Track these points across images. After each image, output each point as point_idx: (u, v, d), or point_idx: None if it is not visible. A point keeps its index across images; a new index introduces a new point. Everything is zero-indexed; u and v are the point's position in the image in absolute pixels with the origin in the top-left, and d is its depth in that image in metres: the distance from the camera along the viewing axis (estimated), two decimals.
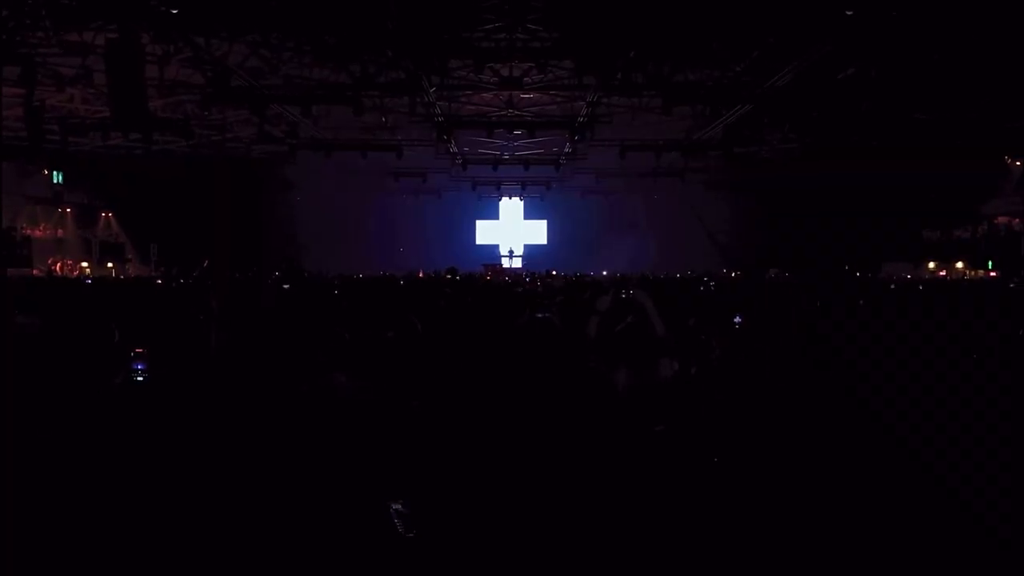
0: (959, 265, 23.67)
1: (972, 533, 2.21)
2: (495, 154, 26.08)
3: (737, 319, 5.30)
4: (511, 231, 34.69)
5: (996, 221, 23.63)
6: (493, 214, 34.61)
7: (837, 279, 18.18)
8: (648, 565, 2.42)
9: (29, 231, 23.83)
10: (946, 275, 23.48)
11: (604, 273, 25.68)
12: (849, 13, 12.85)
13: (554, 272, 23.25)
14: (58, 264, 23.51)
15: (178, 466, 3.01)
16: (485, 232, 34.75)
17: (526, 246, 34.23)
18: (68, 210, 25.46)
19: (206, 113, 20.41)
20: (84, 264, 24.54)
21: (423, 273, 24.12)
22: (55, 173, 23.61)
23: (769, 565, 2.34)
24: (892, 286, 16.18)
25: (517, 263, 32.57)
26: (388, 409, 3.34)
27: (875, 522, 2.30)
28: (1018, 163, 22.29)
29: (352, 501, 2.71)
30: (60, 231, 25.28)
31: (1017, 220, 22.92)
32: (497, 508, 2.57)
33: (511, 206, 34.45)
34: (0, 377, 2.36)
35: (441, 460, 2.88)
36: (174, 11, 13.84)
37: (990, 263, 22.63)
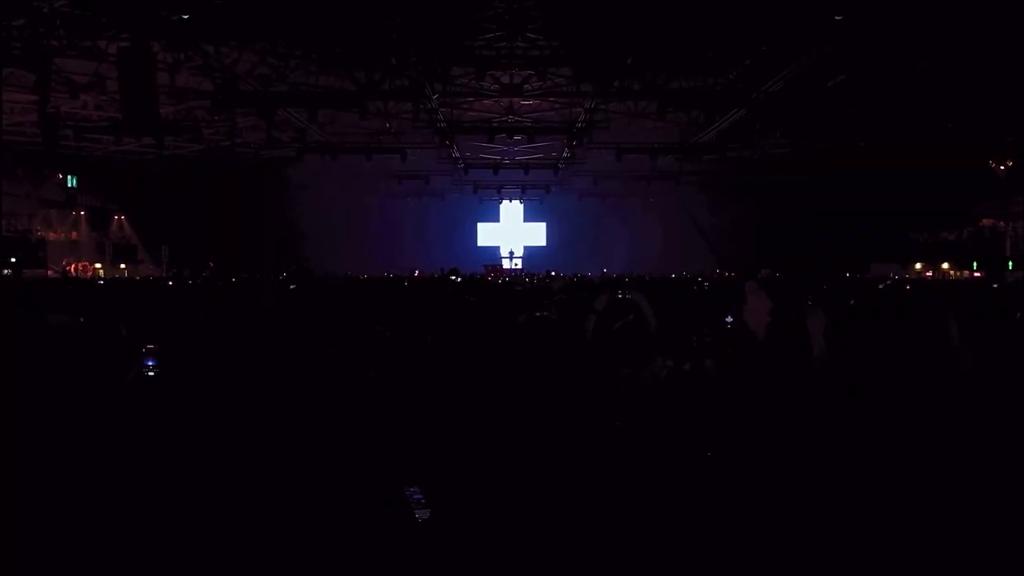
0: (945, 266, 23.66)
1: (972, 532, 2.16)
2: (496, 158, 26.09)
3: (729, 319, 5.26)
4: (511, 233, 34.71)
5: (981, 223, 23.62)
6: (494, 216, 34.62)
7: (832, 279, 18.15)
8: (647, 556, 2.38)
9: (43, 233, 23.82)
10: (932, 275, 23.48)
11: (604, 270, 25.73)
12: (839, 18, 12.82)
13: (552, 273, 23.24)
14: (72, 265, 23.50)
15: (191, 460, 2.98)
16: (486, 234, 34.76)
17: (526, 247, 34.24)
18: (82, 213, 25.46)
19: (216, 118, 20.38)
20: (98, 265, 24.54)
21: (419, 273, 24.17)
22: (69, 177, 23.62)
23: (765, 562, 2.30)
24: (881, 286, 16.14)
25: (517, 264, 32.58)
26: (395, 406, 3.31)
27: (873, 520, 2.26)
28: (1002, 167, 22.26)
29: (365, 490, 2.68)
30: (74, 233, 25.29)
31: (1002, 222, 22.90)
32: (503, 498, 2.53)
33: (511, 208, 34.47)
34: (0, 377, 2.30)
35: (449, 454, 2.85)
36: (185, 16, 13.81)
37: (975, 264, 22.63)
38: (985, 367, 3.03)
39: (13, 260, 19.97)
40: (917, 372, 2.84)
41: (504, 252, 33.48)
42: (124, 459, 3.02)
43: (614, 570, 2.32)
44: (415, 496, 2.58)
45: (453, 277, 17.44)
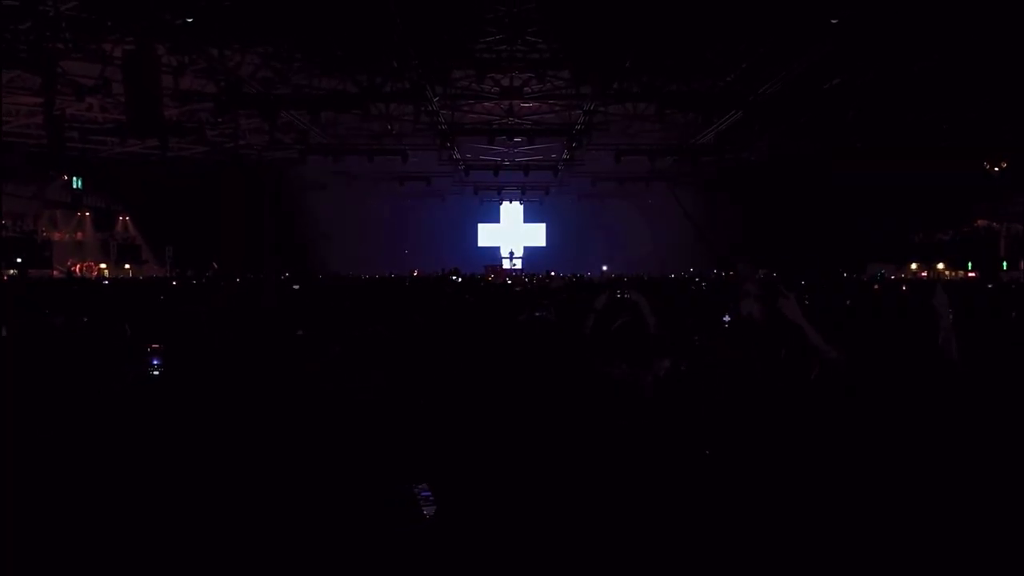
0: (940, 266, 23.65)
1: (971, 532, 2.14)
2: (496, 160, 26.09)
3: (726, 318, 5.25)
4: (512, 234, 34.68)
5: (976, 224, 23.60)
6: (494, 217, 34.59)
7: (830, 279, 18.13)
8: (647, 553, 2.37)
9: (49, 234, 23.83)
10: (927, 275, 23.48)
11: (604, 268, 25.72)
12: (834, 21, 12.81)
13: (552, 273, 23.23)
14: (77, 266, 23.50)
15: (194, 459, 2.97)
16: (486, 234, 34.73)
17: (526, 248, 34.21)
18: (87, 214, 25.46)
19: (219, 120, 20.37)
20: (102, 265, 24.53)
21: (417, 272, 24.16)
22: (75, 179, 23.62)
23: (765, 561, 2.28)
24: (876, 286, 16.13)
25: (518, 264, 32.57)
26: (395, 406, 3.29)
27: (873, 519, 2.24)
28: (996, 168, 22.22)
29: (365, 489, 2.67)
30: (79, 234, 25.28)
31: (996, 223, 22.88)
32: (504, 497, 2.52)
33: (511, 209, 34.44)
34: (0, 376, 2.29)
35: (449, 453, 2.84)
36: (189, 20, 13.80)
37: (969, 264, 22.64)
38: (981, 365, 3.02)
39: (19, 260, 20.01)
40: (909, 367, 2.83)
41: (504, 252, 33.47)
42: (128, 457, 3.01)
43: (615, 568, 2.31)
44: (423, 493, 2.57)
45: (454, 277, 17.46)
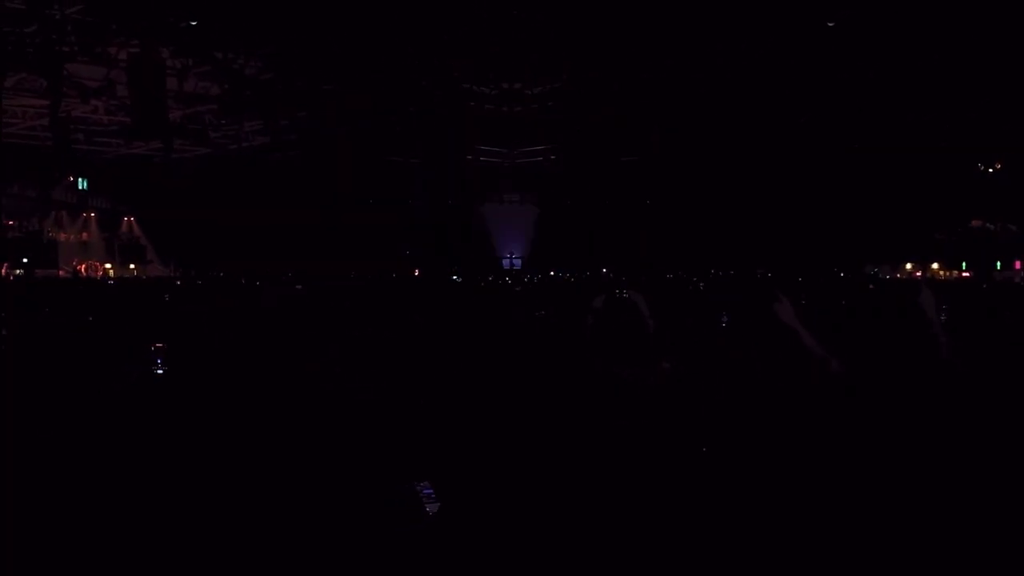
0: (935, 266, 23.64)
1: (970, 532, 2.12)
2: (497, 161, 26.09)
3: (724, 318, 5.23)
4: (512, 234, 34.59)
5: (971, 224, 23.59)
6: (494, 217, 34.50)
7: (828, 278, 18.13)
8: (648, 552, 2.35)
9: (55, 235, 23.85)
10: (922, 275, 23.48)
11: (604, 269, 25.70)
12: (831, 24, 12.80)
13: (550, 273, 23.22)
14: (82, 266, 23.51)
15: (195, 458, 2.95)
16: (486, 234, 34.64)
17: (526, 248, 34.14)
18: (92, 214, 25.48)
19: (222, 122, 20.37)
20: (107, 265, 24.55)
21: (418, 273, 24.16)
22: (80, 180, 23.66)
23: (766, 561, 2.26)
24: (870, 286, 16.12)
25: (518, 264, 32.53)
26: (395, 406, 3.27)
27: (871, 519, 2.22)
28: (991, 169, 22.19)
29: (365, 489, 2.65)
30: (85, 234, 25.31)
31: (991, 223, 22.86)
32: (505, 496, 2.50)
33: (512, 210, 34.36)
34: (1, 375, 2.27)
35: (451, 453, 2.82)
36: (193, 23, 13.83)
37: (964, 264, 22.64)
38: (976, 365, 3.00)
39: (25, 260, 20.08)
40: (904, 365, 2.81)
41: (504, 252, 33.43)
42: (130, 456, 2.99)
43: (615, 567, 2.29)
44: (425, 491, 2.55)
45: (454, 278, 17.47)
